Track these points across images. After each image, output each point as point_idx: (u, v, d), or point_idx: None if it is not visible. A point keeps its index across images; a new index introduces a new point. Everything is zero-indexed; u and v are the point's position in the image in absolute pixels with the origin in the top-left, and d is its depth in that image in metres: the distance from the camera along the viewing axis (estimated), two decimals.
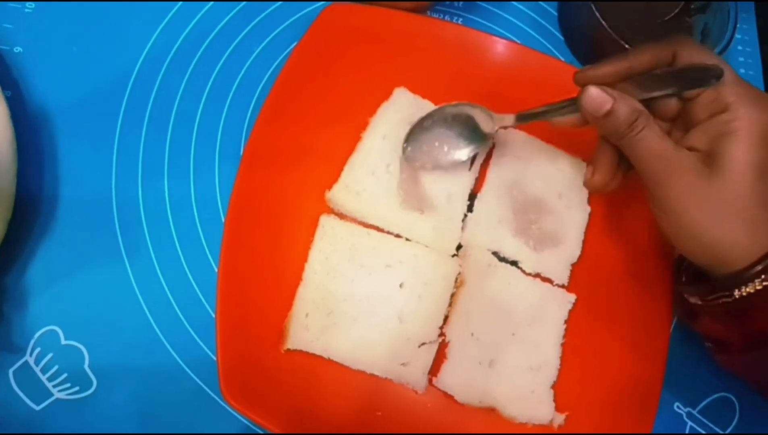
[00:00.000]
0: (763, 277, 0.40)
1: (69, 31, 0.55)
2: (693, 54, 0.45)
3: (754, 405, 0.58)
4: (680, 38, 0.46)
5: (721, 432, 0.57)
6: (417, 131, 0.54)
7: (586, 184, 0.50)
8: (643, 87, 0.45)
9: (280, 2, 0.59)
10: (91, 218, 0.51)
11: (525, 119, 0.51)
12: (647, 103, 0.45)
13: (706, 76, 0.43)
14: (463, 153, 0.54)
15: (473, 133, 0.53)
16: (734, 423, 0.58)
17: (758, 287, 0.40)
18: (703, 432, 0.57)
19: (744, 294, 0.41)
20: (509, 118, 0.52)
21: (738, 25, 0.69)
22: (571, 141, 0.59)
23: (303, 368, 0.49)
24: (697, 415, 0.57)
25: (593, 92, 0.44)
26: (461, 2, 0.64)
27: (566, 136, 0.59)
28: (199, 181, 0.53)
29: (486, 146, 0.55)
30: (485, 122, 0.52)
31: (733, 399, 0.58)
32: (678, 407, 0.57)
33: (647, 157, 0.43)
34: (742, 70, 0.69)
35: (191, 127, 0.55)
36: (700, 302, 0.46)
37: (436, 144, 0.54)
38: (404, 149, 0.54)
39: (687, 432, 0.56)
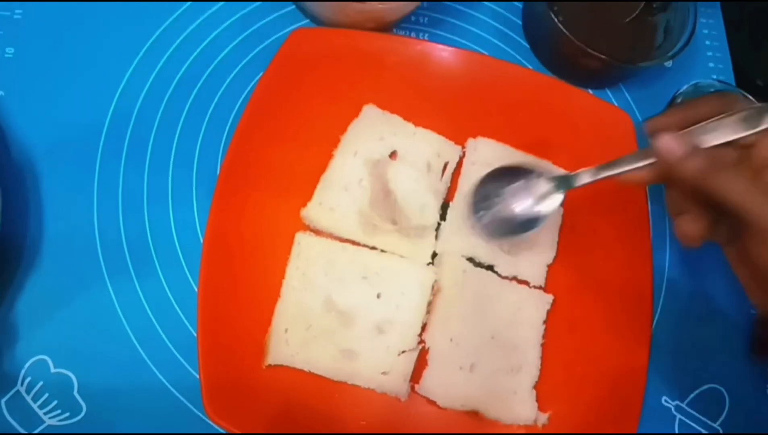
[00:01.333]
0: None
1: (47, 72, 0.59)
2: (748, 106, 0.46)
3: (744, 395, 0.60)
4: (731, 95, 0.48)
5: (711, 424, 0.58)
6: (483, 193, 0.55)
7: (682, 237, 0.47)
8: (704, 134, 0.46)
9: (249, 32, 0.63)
10: (75, 250, 0.54)
11: (594, 175, 0.51)
12: None
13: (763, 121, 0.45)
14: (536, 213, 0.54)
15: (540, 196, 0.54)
16: (725, 413, 0.59)
17: None
18: (693, 425, 0.58)
19: None
20: (577, 178, 0.52)
21: (703, 21, 0.72)
22: (540, 146, 0.62)
23: (285, 382, 0.52)
24: (686, 407, 0.59)
25: (669, 135, 0.45)
26: (426, 19, 0.67)
27: (535, 142, 0.62)
28: (177, 208, 0.56)
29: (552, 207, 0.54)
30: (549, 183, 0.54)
31: (722, 390, 0.60)
32: (666, 401, 0.59)
33: (742, 191, 0.43)
34: (711, 64, 0.72)
35: (168, 155, 0.58)
36: None
37: (508, 207, 0.55)
38: (475, 209, 0.55)
39: (676, 425, 0.58)
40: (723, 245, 0.48)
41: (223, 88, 0.61)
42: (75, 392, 0.50)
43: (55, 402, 0.50)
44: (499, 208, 0.55)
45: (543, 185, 0.54)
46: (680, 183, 0.47)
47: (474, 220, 0.55)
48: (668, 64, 0.70)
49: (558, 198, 0.54)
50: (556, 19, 0.62)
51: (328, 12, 0.61)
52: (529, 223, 0.55)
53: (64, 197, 0.55)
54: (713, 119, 0.46)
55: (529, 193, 0.55)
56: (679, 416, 0.58)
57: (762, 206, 0.42)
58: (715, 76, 0.70)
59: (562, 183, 0.53)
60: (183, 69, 0.61)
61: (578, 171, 0.52)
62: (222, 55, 0.62)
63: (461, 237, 0.57)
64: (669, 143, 0.44)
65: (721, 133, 0.46)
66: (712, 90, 0.64)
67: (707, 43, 0.73)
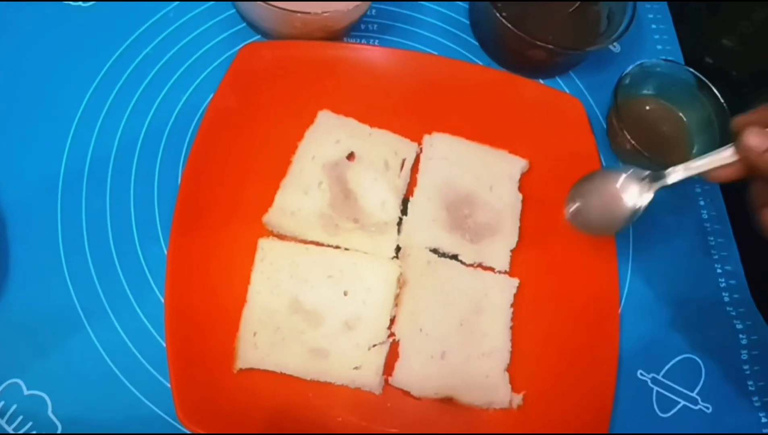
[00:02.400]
0: None
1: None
2: None
3: (719, 363, 0.62)
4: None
5: (689, 393, 0.60)
6: (580, 193, 0.59)
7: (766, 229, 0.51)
8: None
9: (201, 51, 0.66)
10: (42, 274, 0.56)
11: (685, 172, 0.53)
12: None
13: None
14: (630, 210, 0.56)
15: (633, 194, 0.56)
16: (701, 382, 0.61)
17: None
18: (671, 395, 0.60)
19: None
20: (667, 175, 0.54)
21: (648, 5, 0.76)
22: (495, 137, 0.65)
23: (257, 385, 0.54)
24: (662, 379, 0.60)
25: (755, 130, 0.47)
26: (375, 26, 0.71)
27: (491, 134, 0.65)
28: (140, 224, 0.59)
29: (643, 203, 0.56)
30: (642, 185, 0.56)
31: (697, 359, 0.62)
32: (641, 374, 0.60)
33: None
34: (659, 46, 0.75)
35: (128, 178, 0.60)
36: None
37: (603, 206, 0.57)
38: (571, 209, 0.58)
39: (654, 397, 0.60)
40: None
41: (177, 109, 0.63)
42: (49, 412, 0.52)
43: (30, 423, 0.51)
44: (592, 204, 0.58)
45: (634, 183, 0.56)
46: (764, 176, 0.49)
47: (570, 216, 0.58)
48: (616, 49, 0.74)
49: (648, 196, 0.55)
50: (500, 16, 0.65)
51: (277, 25, 0.64)
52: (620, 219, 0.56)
53: (29, 226, 0.58)
54: None
55: (621, 191, 0.56)
56: (656, 388, 0.60)
57: None
58: (663, 57, 0.74)
59: (654, 179, 0.55)
60: (136, 96, 0.64)
61: (669, 169, 0.54)
62: (175, 77, 0.65)
63: (423, 230, 0.60)
64: (754, 139, 0.47)
65: None
66: (658, 69, 0.67)
67: (653, 26, 0.76)
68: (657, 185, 0.55)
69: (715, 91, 0.66)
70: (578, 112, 0.65)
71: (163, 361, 0.52)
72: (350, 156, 0.62)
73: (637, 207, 0.55)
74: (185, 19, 0.68)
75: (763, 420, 0.61)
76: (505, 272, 0.60)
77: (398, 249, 0.60)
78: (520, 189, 0.63)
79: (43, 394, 0.52)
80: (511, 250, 0.61)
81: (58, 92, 0.63)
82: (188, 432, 0.52)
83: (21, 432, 0.51)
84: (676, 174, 0.54)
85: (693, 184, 0.69)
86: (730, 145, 0.50)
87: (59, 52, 0.64)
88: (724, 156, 0.51)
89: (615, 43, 0.73)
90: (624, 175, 0.56)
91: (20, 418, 0.52)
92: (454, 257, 0.60)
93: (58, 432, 0.51)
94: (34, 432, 0.51)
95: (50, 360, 0.53)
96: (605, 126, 0.69)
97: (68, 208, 0.59)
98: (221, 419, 0.51)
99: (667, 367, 0.61)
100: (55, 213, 0.58)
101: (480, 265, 0.60)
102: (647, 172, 0.55)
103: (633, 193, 0.56)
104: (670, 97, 0.68)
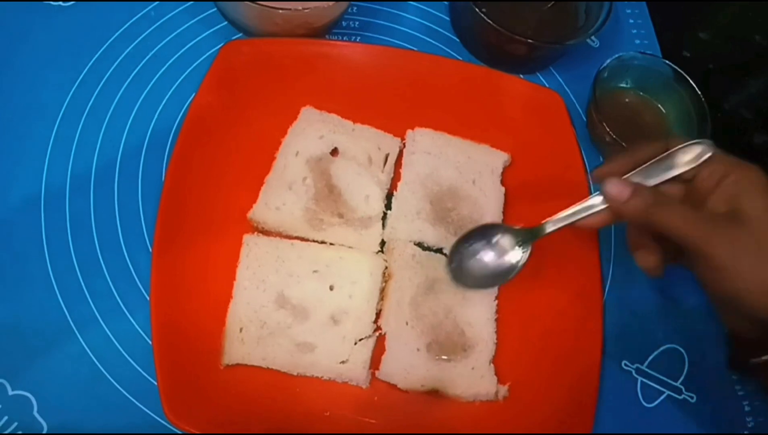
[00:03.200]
0: None
1: None
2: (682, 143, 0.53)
3: (702, 353, 0.63)
4: (670, 137, 0.55)
5: (673, 383, 0.61)
6: (459, 250, 0.58)
7: (643, 270, 0.54)
8: (648, 176, 0.52)
9: (183, 50, 0.67)
10: (27, 272, 0.56)
11: (556, 224, 0.55)
12: None
13: (697, 155, 0.52)
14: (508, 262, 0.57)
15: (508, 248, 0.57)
16: (685, 372, 0.62)
17: None
18: (655, 385, 0.61)
19: None
20: (542, 229, 0.55)
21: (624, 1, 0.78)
22: (477, 132, 0.66)
23: (244, 381, 0.54)
24: (646, 369, 0.62)
25: (614, 181, 0.51)
26: (357, 23, 0.72)
27: (472, 129, 0.66)
28: (124, 221, 0.59)
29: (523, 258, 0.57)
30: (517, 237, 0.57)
31: (681, 349, 0.63)
32: (626, 365, 0.62)
33: (684, 224, 0.49)
34: (637, 41, 0.77)
35: (112, 178, 0.61)
36: None
37: (480, 261, 0.57)
38: (451, 270, 0.58)
39: (639, 387, 0.61)
40: (690, 270, 0.54)
41: (160, 108, 0.64)
42: (35, 412, 0.52)
43: (15, 424, 0.52)
44: (473, 263, 0.57)
45: (509, 241, 0.57)
46: (632, 221, 0.54)
47: (452, 275, 0.58)
48: (594, 43, 0.75)
49: (525, 251, 0.56)
50: (479, 12, 0.66)
51: (258, 23, 0.65)
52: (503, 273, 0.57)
53: (14, 230, 0.58)
54: (651, 162, 0.53)
55: (498, 250, 0.57)
56: (640, 379, 0.61)
57: (702, 234, 0.48)
58: (641, 51, 0.75)
59: (528, 236, 0.56)
60: (118, 96, 0.64)
61: (542, 223, 0.55)
62: (157, 76, 0.65)
63: (408, 223, 0.61)
64: (615, 187, 0.51)
65: (657, 174, 0.52)
66: (635, 62, 0.69)
67: (631, 21, 0.78)
68: (532, 240, 0.56)
69: (692, 83, 0.68)
70: (558, 105, 0.67)
71: (151, 359, 0.52)
72: (334, 151, 0.63)
73: (515, 263, 0.56)
74: (166, 19, 0.68)
75: (747, 408, 0.62)
76: None
77: (383, 243, 0.61)
78: (503, 182, 0.65)
79: (28, 394, 0.53)
80: None
81: (38, 94, 0.63)
82: (177, 431, 0.52)
83: (6, 432, 0.51)
84: (547, 227, 0.55)
85: None
86: (596, 193, 0.53)
87: (38, 53, 0.65)
88: (591, 205, 0.53)
89: (593, 38, 0.75)
90: (500, 235, 0.57)
91: (5, 418, 0.52)
92: (439, 250, 0.61)
93: (44, 432, 0.52)
94: (20, 432, 0.52)
95: (35, 361, 0.54)
96: (585, 119, 0.70)
97: (52, 211, 0.59)
98: (208, 416, 0.52)
99: (651, 358, 0.62)
100: (38, 217, 0.59)
101: None
102: (520, 230, 0.57)
103: (510, 252, 0.57)
104: (648, 89, 0.70)
